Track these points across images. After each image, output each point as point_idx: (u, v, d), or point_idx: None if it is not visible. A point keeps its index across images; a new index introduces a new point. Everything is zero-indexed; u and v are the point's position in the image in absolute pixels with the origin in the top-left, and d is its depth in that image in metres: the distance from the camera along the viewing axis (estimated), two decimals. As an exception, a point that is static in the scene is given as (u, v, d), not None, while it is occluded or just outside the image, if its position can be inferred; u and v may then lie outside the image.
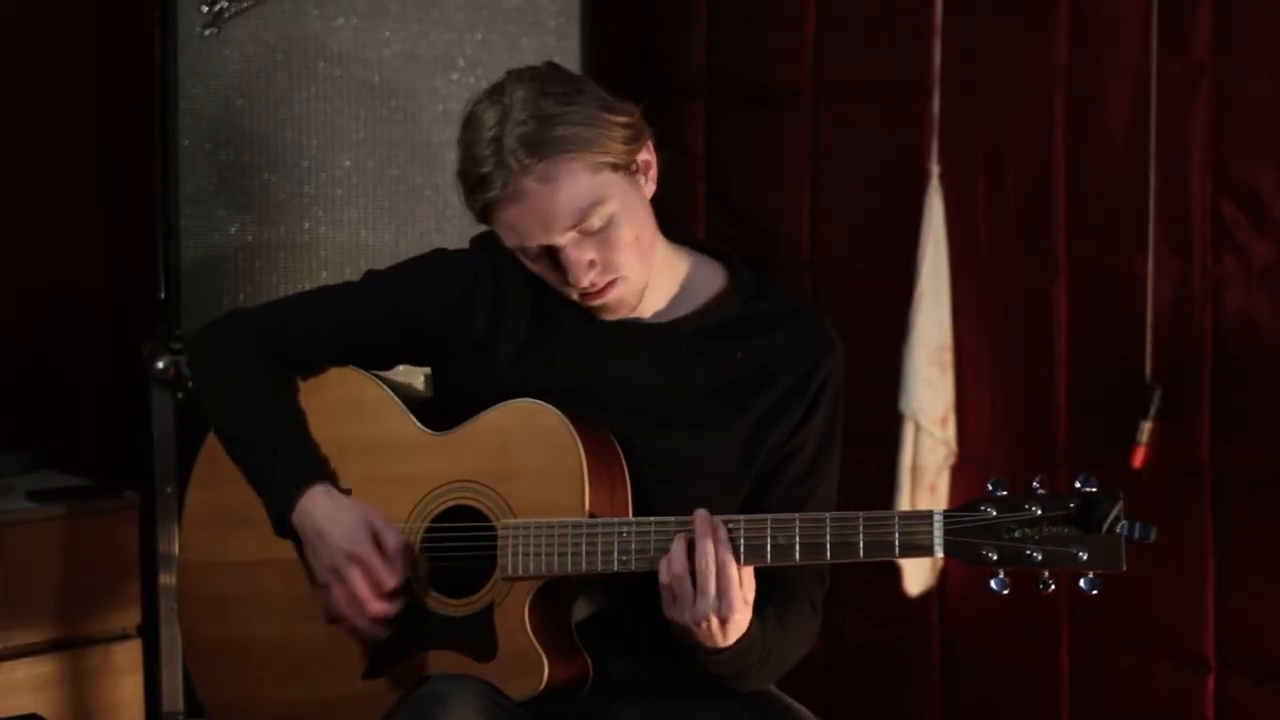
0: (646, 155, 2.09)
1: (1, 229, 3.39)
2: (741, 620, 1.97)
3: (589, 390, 2.12)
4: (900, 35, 3.27)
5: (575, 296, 2.10)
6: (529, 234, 2.04)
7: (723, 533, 1.95)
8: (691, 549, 1.96)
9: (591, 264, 2.05)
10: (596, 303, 2.10)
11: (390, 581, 2.09)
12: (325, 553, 2.11)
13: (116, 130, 3.48)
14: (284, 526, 2.15)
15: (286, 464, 2.16)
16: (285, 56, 2.97)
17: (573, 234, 2.03)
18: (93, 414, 3.50)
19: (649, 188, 2.11)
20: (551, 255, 2.06)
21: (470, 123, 2.05)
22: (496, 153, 2.00)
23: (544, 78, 2.06)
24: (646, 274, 2.11)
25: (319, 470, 2.16)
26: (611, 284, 2.08)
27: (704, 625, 1.95)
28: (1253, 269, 2.90)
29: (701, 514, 1.97)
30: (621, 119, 2.05)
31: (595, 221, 2.03)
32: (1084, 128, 3.07)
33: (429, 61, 3.05)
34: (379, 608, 2.09)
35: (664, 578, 1.97)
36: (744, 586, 1.96)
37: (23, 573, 2.93)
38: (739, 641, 1.99)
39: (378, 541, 2.10)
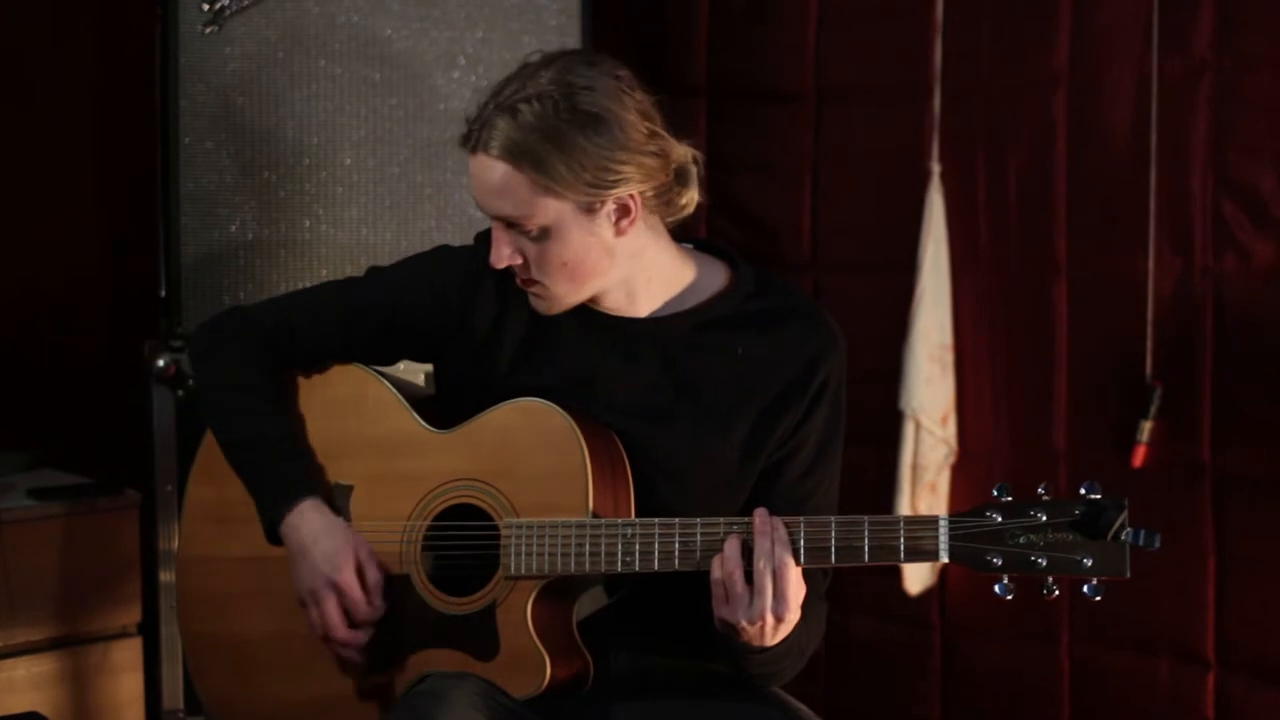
0: (623, 201, 2.02)
1: (1, 228, 3.38)
2: (793, 620, 1.96)
3: (589, 388, 2.11)
4: (900, 35, 3.27)
5: None
6: (477, 195, 2.05)
7: (783, 532, 1.94)
8: (744, 547, 1.95)
9: (519, 256, 2.05)
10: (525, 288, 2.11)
11: (364, 613, 2.10)
12: (305, 572, 2.12)
13: (116, 130, 3.47)
14: (274, 536, 2.17)
15: (278, 475, 2.17)
16: (286, 54, 2.97)
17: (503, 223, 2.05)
18: (93, 412, 3.49)
19: (619, 227, 2.04)
20: None
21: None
22: (480, 112, 2.02)
23: (581, 83, 2.00)
24: (575, 297, 2.10)
25: (311, 484, 2.17)
26: (532, 283, 2.08)
27: (759, 625, 1.94)
28: (1253, 268, 2.90)
29: (761, 513, 1.96)
30: (612, 164, 1.99)
31: (527, 229, 2.03)
32: (1084, 127, 3.08)
33: (430, 59, 3.05)
34: (344, 635, 2.10)
35: (716, 573, 1.96)
36: (798, 588, 1.95)
37: (23, 571, 2.93)
38: (783, 640, 1.98)
39: (360, 572, 2.11)
